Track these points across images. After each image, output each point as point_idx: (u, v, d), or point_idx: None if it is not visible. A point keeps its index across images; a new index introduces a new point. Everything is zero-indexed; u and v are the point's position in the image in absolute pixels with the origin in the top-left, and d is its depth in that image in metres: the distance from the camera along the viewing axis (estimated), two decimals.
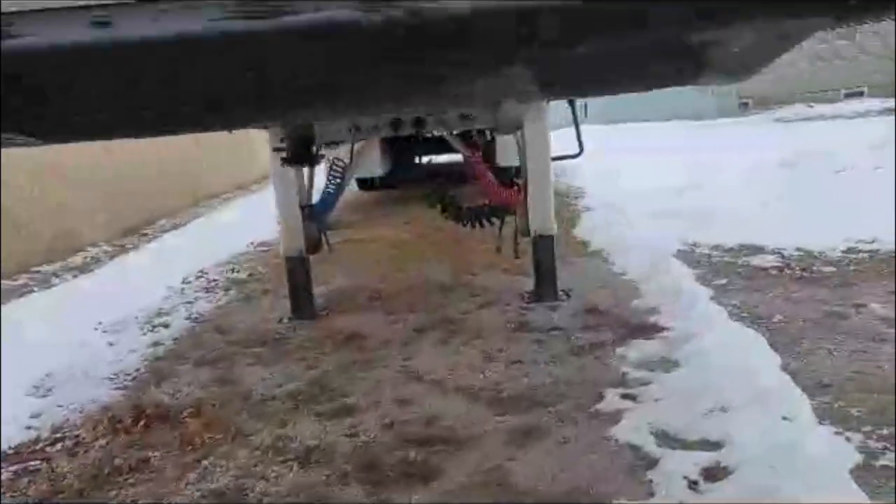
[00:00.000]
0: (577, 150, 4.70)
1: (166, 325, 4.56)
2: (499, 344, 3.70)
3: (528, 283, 4.45)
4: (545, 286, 4.36)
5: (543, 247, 4.33)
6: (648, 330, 3.70)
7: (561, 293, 4.40)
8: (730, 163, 8.02)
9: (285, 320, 4.41)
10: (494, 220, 4.40)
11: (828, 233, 5.12)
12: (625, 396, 2.99)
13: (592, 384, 3.12)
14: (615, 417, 2.81)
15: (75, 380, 3.71)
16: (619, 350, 3.48)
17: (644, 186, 8.10)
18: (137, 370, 3.80)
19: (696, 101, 17.90)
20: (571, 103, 4.50)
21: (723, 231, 5.62)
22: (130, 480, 2.64)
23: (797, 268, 4.62)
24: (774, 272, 4.61)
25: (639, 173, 8.70)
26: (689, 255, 5.17)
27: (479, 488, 2.38)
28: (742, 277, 4.56)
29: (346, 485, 2.49)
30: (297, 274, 4.44)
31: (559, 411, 2.90)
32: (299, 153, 3.70)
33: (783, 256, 4.94)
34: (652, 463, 2.47)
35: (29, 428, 3.21)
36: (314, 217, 4.44)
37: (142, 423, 3.08)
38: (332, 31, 0.92)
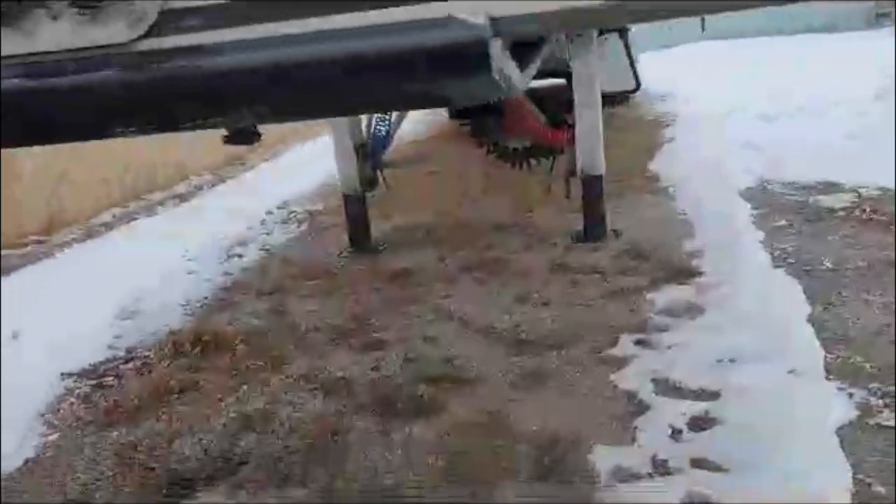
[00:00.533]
0: (634, 85, 4.59)
1: (241, 256, 4.94)
2: (535, 285, 3.81)
3: (581, 222, 4.48)
4: (593, 226, 4.38)
5: (591, 186, 4.33)
6: (685, 274, 3.69)
7: (611, 233, 4.41)
8: (842, 85, 7.51)
9: (344, 254, 4.67)
10: (543, 160, 4.42)
11: None
12: (639, 342, 3.06)
13: (612, 329, 3.20)
14: (622, 363, 2.90)
15: (156, 305, 4.13)
16: (650, 295, 3.51)
17: (741, 112, 7.78)
18: (206, 298, 4.18)
19: (828, 11, 16.54)
20: (623, 35, 4.38)
21: (806, 164, 5.38)
22: (179, 400, 3.00)
23: (868, 209, 4.40)
24: (842, 213, 4.41)
25: (739, 97, 8.32)
26: (757, 192, 5.00)
27: (473, 427, 2.56)
28: (805, 218, 4.40)
29: (358, 415, 2.73)
30: (354, 211, 4.67)
31: (571, 355, 3.01)
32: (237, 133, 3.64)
33: (859, 196, 4.69)
34: (643, 410, 2.56)
35: (110, 348, 3.65)
36: (368, 156, 4.61)
37: (199, 348, 3.43)
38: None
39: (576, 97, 4.20)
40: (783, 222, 4.37)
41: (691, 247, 4.09)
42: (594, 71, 4.14)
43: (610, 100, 4.77)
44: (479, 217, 5.10)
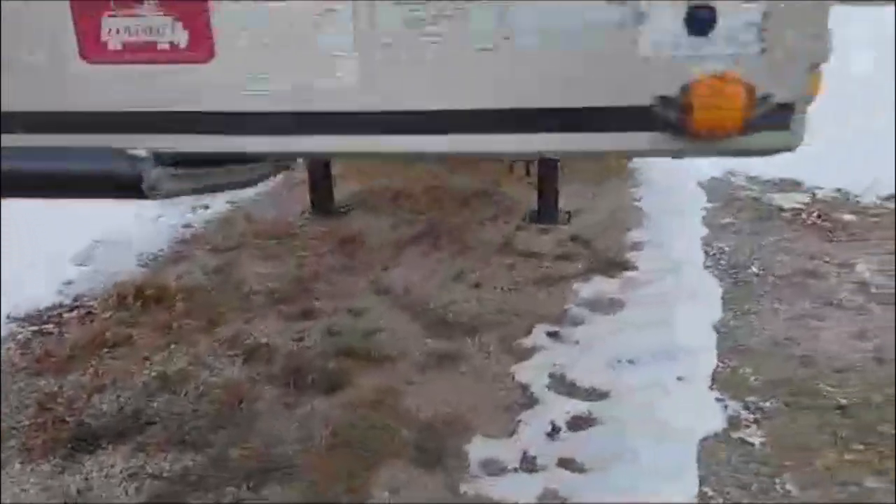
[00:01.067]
0: None
1: (207, 207, 5.06)
2: (475, 264, 3.92)
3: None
4: (545, 208, 4.47)
5: (546, 167, 4.40)
6: (618, 267, 3.79)
7: (563, 215, 4.50)
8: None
9: (305, 215, 4.79)
10: None
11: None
12: (551, 334, 3.18)
13: (531, 318, 3.32)
14: (528, 354, 3.03)
15: (113, 252, 4.28)
16: (578, 285, 3.62)
17: None
18: (161, 249, 4.32)
19: None
20: None
21: (775, 159, 5.40)
22: (111, 354, 3.16)
23: (816, 213, 4.45)
24: (790, 214, 4.47)
25: None
26: (718, 184, 5.06)
27: (371, 406, 2.71)
28: (753, 217, 4.46)
29: (270, 384, 2.88)
30: (316, 171, 4.76)
31: (483, 341, 3.14)
32: None
33: (813, 197, 4.74)
34: (531, 405, 2.70)
35: (59, 293, 3.81)
36: None
37: (141, 302, 3.58)
38: None
39: None
40: (730, 219, 4.44)
41: (635, 237, 4.18)
42: None
43: None
44: (446, 185, 5.18)
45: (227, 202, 5.17)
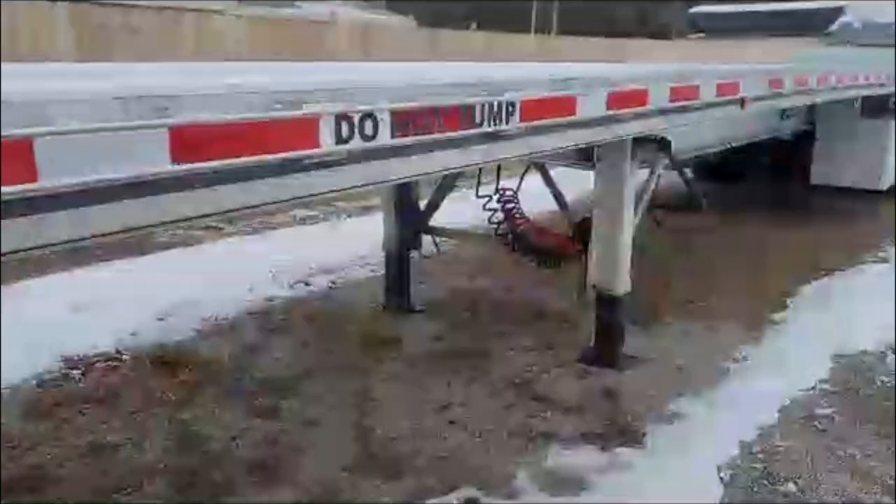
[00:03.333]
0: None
1: (307, 284, 5.24)
2: (477, 398, 3.51)
3: None
4: (602, 349, 3.88)
5: (605, 306, 3.83)
6: (622, 438, 3.13)
7: (624, 359, 3.88)
8: None
9: (379, 309, 4.72)
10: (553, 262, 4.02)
11: None
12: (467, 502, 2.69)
13: (467, 473, 2.85)
14: None
15: (187, 313, 4.57)
16: (555, 450, 3.04)
17: None
18: (222, 318, 4.53)
19: None
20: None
21: None
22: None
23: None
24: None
25: None
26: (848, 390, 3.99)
27: None
28: None
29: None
30: (393, 268, 4.68)
31: (392, 489, 2.76)
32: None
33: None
34: None
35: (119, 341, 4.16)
36: (411, 218, 4.55)
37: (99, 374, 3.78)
38: None
39: (595, 201, 3.74)
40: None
41: (680, 406, 3.43)
42: (621, 172, 3.64)
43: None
44: (517, 298, 4.80)
45: (331, 282, 5.31)
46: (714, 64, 4.33)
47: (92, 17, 6.58)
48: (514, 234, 4.12)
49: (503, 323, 4.46)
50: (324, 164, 1.77)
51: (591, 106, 2.77)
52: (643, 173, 3.90)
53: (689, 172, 3.98)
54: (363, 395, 3.53)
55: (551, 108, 2.44)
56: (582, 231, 3.87)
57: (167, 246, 6.27)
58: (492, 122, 2.29)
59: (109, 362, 3.90)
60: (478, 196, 4.23)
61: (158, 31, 6.51)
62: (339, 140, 1.78)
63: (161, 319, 4.49)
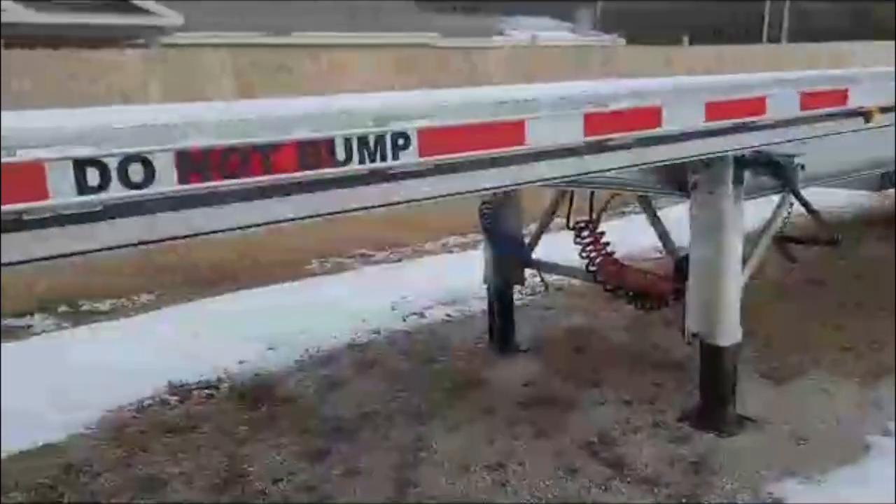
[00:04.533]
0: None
1: (423, 315, 5.13)
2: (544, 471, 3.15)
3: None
4: (709, 408, 3.32)
5: (708, 357, 3.27)
6: None
7: (737, 420, 3.30)
8: None
9: (481, 347, 4.47)
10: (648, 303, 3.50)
11: None
12: None
13: None
14: None
15: (288, 348, 4.61)
16: None
17: None
18: (327, 350, 4.53)
19: None
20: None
21: None
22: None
23: None
24: None
25: None
26: None
27: None
28: None
29: None
30: (496, 303, 4.40)
31: None
32: None
33: None
34: None
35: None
36: (511, 249, 4.23)
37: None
38: None
39: (691, 237, 3.21)
40: None
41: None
42: (720, 202, 3.09)
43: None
44: (628, 341, 4.30)
45: (447, 315, 5.15)
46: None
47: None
48: (597, 271, 3.68)
49: (607, 369, 4.00)
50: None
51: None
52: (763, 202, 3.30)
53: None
54: (421, 443, 3.30)
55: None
56: (680, 270, 3.34)
57: (312, 273, 6.51)
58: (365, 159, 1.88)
59: (208, 390, 4.04)
60: (568, 227, 3.83)
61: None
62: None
63: (271, 349, 4.59)
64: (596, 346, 4.40)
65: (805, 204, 3.16)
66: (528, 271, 4.44)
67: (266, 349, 4.58)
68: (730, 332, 3.22)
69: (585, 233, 3.67)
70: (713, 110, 2.45)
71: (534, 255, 4.30)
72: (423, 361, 4.30)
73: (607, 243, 3.66)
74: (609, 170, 2.42)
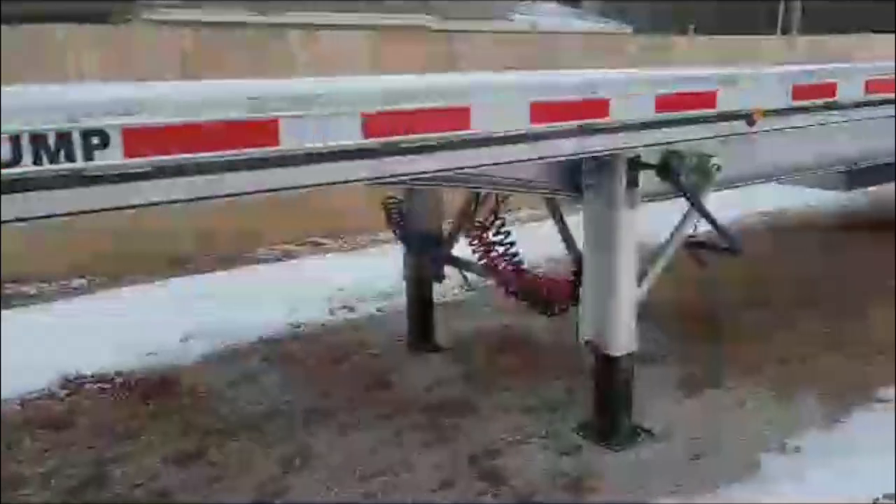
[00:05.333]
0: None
1: (352, 310, 4.98)
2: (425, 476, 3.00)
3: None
4: (603, 420, 3.15)
5: (603, 368, 3.10)
6: None
7: (633, 432, 3.14)
8: None
9: (400, 343, 4.31)
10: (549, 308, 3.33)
11: None
12: None
13: None
14: None
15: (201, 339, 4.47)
16: None
17: None
18: (241, 343, 4.39)
19: None
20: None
21: None
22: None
23: None
24: None
25: None
26: None
27: None
28: None
29: None
30: (414, 301, 4.24)
31: None
32: None
33: None
34: None
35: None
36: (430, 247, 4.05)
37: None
38: None
39: (584, 241, 3.03)
40: None
41: None
42: (618, 209, 2.91)
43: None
44: (552, 344, 4.13)
45: (377, 309, 4.99)
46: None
47: None
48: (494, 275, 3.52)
49: (522, 372, 3.84)
50: None
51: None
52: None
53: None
54: (303, 449, 3.15)
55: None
56: (578, 275, 3.17)
57: (256, 261, 6.36)
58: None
59: (101, 383, 3.90)
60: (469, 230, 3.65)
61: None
62: None
63: (184, 341, 4.45)
64: (519, 347, 4.23)
65: (701, 210, 2.98)
66: None
67: (181, 340, 4.45)
68: (623, 342, 3.05)
69: (490, 234, 3.49)
70: (539, 111, 2.24)
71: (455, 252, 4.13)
72: (334, 360, 4.15)
73: (509, 244, 3.48)
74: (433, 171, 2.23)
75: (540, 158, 2.42)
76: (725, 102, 2.60)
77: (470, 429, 3.29)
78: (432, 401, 3.58)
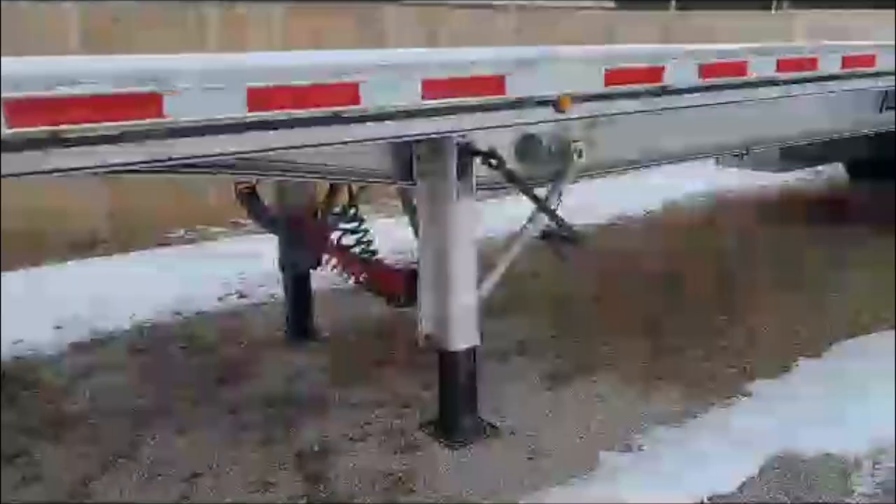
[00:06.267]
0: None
1: (244, 296, 4.84)
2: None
3: None
4: (450, 416, 3.04)
5: (446, 364, 2.98)
6: None
7: (480, 426, 3.05)
8: None
9: (280, 333, 4.17)
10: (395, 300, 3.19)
11: None
12: None
13: None
14: None
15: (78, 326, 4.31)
16: None
17: None
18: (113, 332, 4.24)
19: None
20: None
21: None
22: None
23: None
24: None
25: None
26: None
27: None
28: None
29: None
30: (291, 288, 4.09)
31: None
32: None
33: None
34: None
35: None
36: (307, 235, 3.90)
37: None
38: None
39: (420, 231, 2.90)
40: None
41: None
42: (450, 199, 2.77)
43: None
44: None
45: (272, 296, 4.84)
46: None
47: None
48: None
49: (390, 363, 3.72)
50: None
51: None
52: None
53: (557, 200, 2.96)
54: (131, 448, 3.01)
55: None
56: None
57: (168, 243, 6.19)
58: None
59: None
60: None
61: None
62: None
63: (59, 328, 4.30)
64: (399, 336, 4.10)
65: (536, 200, 2.85)
66: None
67: (54, 327, 4.30)
68: (463, 336, 2.92)
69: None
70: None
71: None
72: (203, 349, 4.01)
73: (363, 232, 3.34)
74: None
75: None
76: (520, 87, 2.43)
77: (313, 425, 3.17)
78: (285, 395, 3.46)
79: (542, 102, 2.49)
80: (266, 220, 3.82)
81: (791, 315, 4.25)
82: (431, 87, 2.19)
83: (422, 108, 2.20)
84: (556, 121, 2.78)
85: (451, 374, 2.99)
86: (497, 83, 2.35)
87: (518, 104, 2.43)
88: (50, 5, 6.46)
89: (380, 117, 2.16)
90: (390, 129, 2.27)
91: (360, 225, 3.40)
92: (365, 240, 3.37)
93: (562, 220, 2.91)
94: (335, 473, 2.81)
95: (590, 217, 6.13)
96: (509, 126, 2.56)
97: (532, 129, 2.99)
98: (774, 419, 3.09)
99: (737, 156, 4.11)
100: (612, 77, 2.61)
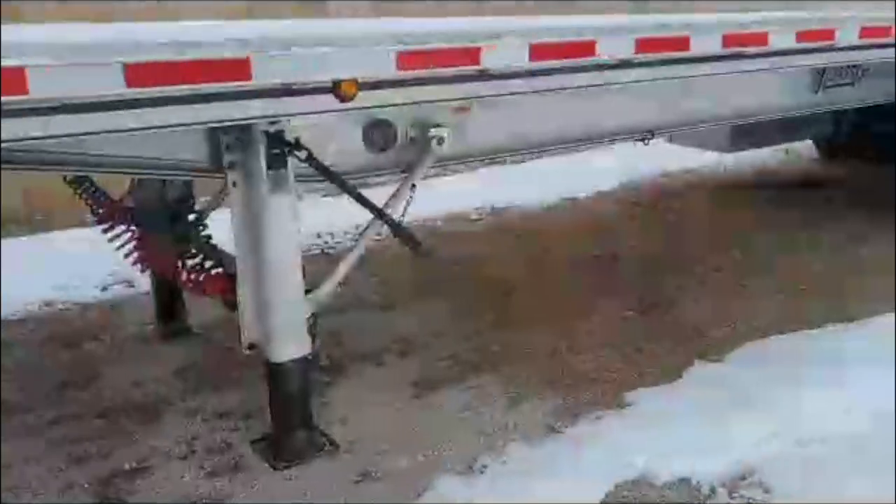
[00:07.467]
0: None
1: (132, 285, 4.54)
2: None
3: None
4: (286, 434, 2.74)
5: (277, 377, 2.68)
6: None
7: (320, 443, 2.77)
8: None
9: (149, 327, 3.88)
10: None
11: None
12: None
13: None
14: None
15: None
16: None
17: None
18: None
19: None
20: None
21: None
22: None
23: None
24: None
25: None
26: None
27: None
28: None
29: None
30: (159, 282, 3.78)
31: None
32: None
33: None
34: None
35: None
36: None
37: None
38: None
39: (234, 224, 2.57)
40: None
41: None
42: (262, 194, 2.45)
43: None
44: None
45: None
46: None
47: None
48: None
49: (244, 370, 3.40)
50: None
51: None
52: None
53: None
54: None
55: None
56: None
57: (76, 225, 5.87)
58: None
59: None
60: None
61: None
62: None
63: None
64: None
65: (360, 199, 2.55)
66: None
67: None
68: (291, 346, 2.62)
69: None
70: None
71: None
72: (61, 346, 3.72)
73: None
74: None
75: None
76: (271, 72, 2.08)
77: (138, 439, 2.88)
78: (124, 402, 3.17)
79: (316, 90, 2.14)
80: (127, 211, 3.46)
81: (699, 314, 3.94)
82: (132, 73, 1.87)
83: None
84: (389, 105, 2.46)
85: (278, 387, 2.69)
86: (239, 67, 2.00)
87: (268, 93, 2.08)
88: None
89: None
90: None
91: (198, 219, 3.09)
92: (202, 236, 3.05)
93: (398, 224, 2.60)
94: (137, 498, 2.53)
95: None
96: (258, 119, 2.21)
97: (382, 115, 2.69)
98: (642, 436, 2.80)
99: (641, 140, 3.76)
100: (403, 60, 2.25)
